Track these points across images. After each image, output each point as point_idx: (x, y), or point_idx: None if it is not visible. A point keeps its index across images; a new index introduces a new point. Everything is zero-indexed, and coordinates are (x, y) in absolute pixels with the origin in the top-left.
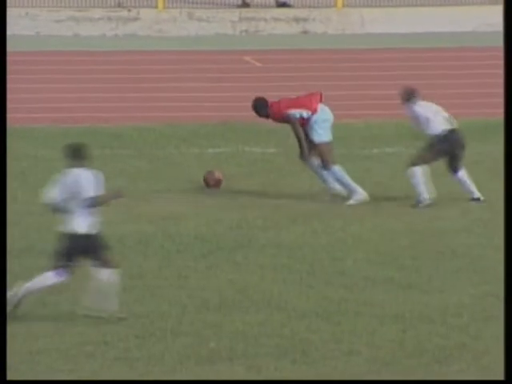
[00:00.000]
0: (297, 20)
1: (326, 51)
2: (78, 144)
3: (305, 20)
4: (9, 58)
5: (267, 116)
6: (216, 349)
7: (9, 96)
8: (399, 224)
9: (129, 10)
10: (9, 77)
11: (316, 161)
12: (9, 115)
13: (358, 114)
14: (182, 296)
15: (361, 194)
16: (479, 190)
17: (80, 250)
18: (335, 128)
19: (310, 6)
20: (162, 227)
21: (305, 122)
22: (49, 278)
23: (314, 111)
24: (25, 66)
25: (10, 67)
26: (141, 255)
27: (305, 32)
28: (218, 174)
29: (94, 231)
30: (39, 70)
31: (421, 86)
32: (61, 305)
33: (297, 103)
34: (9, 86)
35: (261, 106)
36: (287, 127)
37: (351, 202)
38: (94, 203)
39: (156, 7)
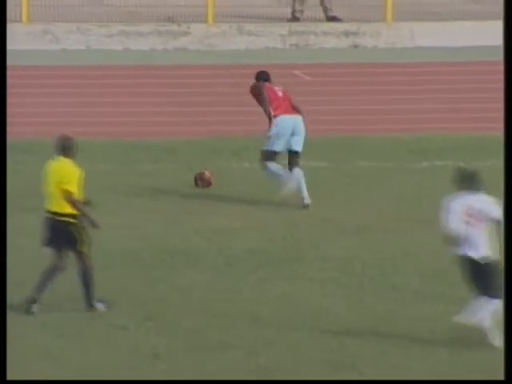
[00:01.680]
0: (346, 34)
1: (376, 65)
2: (469, 171)
3: (355, 34)
4: (59, 73)
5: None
6: (266, 363)
7: (59, 110)
8: None
9: (179, 25)
10: (58, 91)
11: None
12: (60, 129)
13: (408, 127)
14: (233, 309)
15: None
16: None
17: (476, 276)
18: (384, 141)
19: (359, 20)
20: (213, 241)
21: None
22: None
23: (275, 117)
24: (75, 80)
25: (59, 81)
26: (192, 269)
27: (355, 46)
28: (207, 175)
29: (492, 257)
30: (89, 84)
31: (472, 99)
32: (112, 318)
33: (275, 103)
34: (59, 100)
35: (261, 78)
36: (336, 140)
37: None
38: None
39: (206, 22)
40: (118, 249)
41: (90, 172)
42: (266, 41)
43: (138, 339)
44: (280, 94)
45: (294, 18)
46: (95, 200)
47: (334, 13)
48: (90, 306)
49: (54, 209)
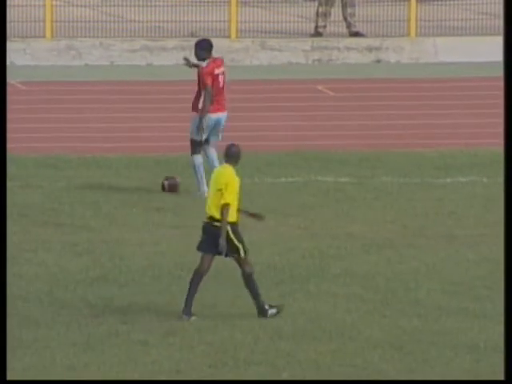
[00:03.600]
0: (369, 49)
1: (399, 80)
2: None
3: (378, 49)
4: (83, 88)
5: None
6: (289, 378)
7: (83, 125)
8: (473, 254)
9: None
10: (82, 106)
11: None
12: (84, 145)
13: (431, 143)
14: (255, 325)
15: (202, 192)
16: None
17: None
18: (408, 157)
19: (382, 35)
20: None
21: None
22: None
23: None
24: (98, 96)
25: (83, 97)
26: (214, 284)
27: (378, 61)
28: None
29: None
30: (112, 99)
31: (496, 115)
32: (133, 334)
33: (216, 88)
34: (83, 115)
35: (202, 48)
36: (360, 156)
37: (198, 194)
38: None
39: (229, 37)
40: (140, 264)
41: (112, 188)
42: (289, 56)
43: (160, 355)
44: (221, 81)
45: (317, 34)
46: (117, 215)
47: (357, 28)
48: (261, 313)
49: (210, 213)
